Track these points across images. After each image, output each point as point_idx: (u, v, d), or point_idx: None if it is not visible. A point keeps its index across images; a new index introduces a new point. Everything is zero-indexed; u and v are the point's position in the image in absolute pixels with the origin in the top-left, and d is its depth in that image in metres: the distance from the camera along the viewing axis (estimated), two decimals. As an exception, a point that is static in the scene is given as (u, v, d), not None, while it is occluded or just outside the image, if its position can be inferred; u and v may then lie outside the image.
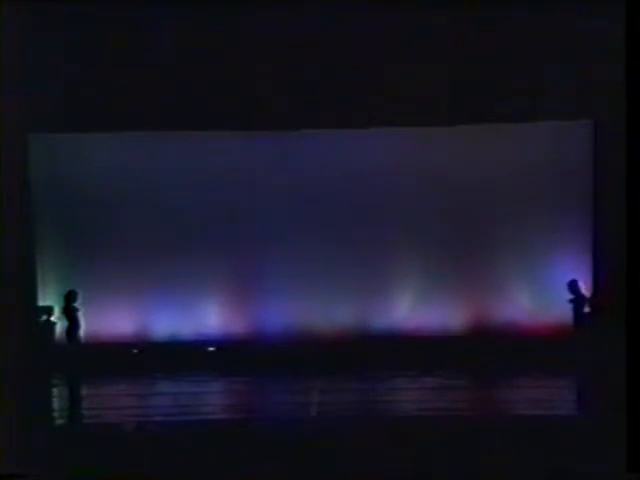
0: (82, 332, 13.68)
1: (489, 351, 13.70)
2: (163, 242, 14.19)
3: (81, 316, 13.66)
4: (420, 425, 10.33)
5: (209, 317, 14.39)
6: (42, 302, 14.04)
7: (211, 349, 14.35)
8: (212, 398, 12.82)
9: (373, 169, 14.05)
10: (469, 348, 13.87)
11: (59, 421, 11.98)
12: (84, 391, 13.09)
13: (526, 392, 12.38)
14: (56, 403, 12.83)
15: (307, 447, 9.52)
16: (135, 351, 14.30)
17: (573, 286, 13.64)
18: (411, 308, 14.35)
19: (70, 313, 13.59)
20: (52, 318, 13.81)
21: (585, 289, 13.78)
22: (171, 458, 9.32)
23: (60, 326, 13.75)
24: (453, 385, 12.90)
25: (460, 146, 13.99)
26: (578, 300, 13.62)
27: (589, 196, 14.06)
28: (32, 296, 14.04)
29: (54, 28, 13.28)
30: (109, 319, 14.17)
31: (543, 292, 14.13)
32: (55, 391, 13.24)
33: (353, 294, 14.22)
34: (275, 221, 14.20)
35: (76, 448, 9.84)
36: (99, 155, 14.12)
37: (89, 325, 13.77)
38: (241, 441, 9.81)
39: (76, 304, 13.64)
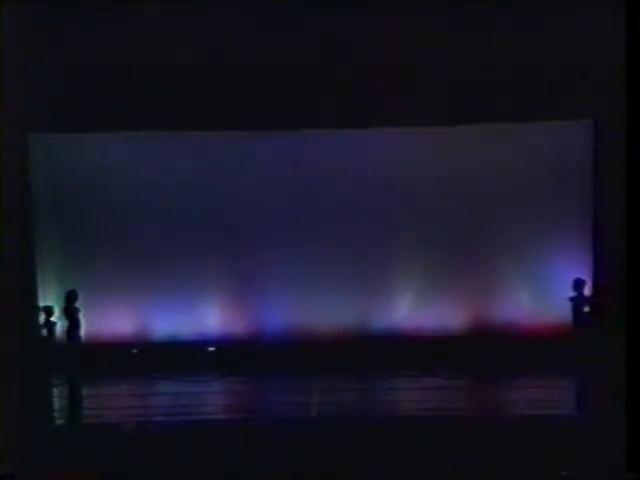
0: (82, 332, 13.65)
1: (489, 351, 13.70)
2: (163, 242, 14.18)
3: (81, 316, 13.64)
4: (420, 425, 10.34)
5: (209, 317, 14.38)
6: (42, 302, 14.03)
7: (211, 349, 14.35)
8: (212, 398, 12.83)
9: (373, 169, 14.05)
10: (469, 348, 13.87)
11: (59, 421, 11.98)
12: (84, 391, 13.08)
13: (526, 392, 12.39)
14: (56, 403, 12.84)
15: (307, 447, 9.52)
16: (135, 351, 14.30)
17: (578, 285, 13.59)
18: (411, 308, 14.35)
19: (70, 313, 13.57)
20: (52, 318, 13.80)
21: (586, 289, 13.77)
22: (171, 458, 9.33)
23: (60, 326, 13.74)
24: (453, 385, 12.91)
25: (460, 146, 13.99)
26: (579, 299, 13.60)
27: (589, 196, 14.06)
28: (32, 296, 14.04)
29: (54, 28, 13.27)
30: (109, 319, 14.17)
31: (543, 292, 14.13)
32: (55, 391, 13.24)
33: (353, 294, 14.21)
34: (275, 221, 14.20)
35: (76, 448, 9.85)
36: (99, 155, 14.11)
37: (89, 325, 13.74)
38: (241, 441, 9.81)
39: (76, 304, 13.62)
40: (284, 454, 9.28)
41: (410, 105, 13.41)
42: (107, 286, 14.14)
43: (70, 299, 13.59)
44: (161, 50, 13.42)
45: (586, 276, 13.84)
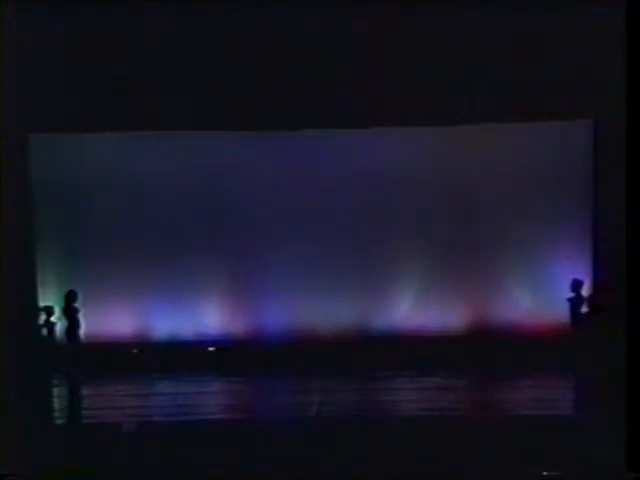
0: (82, 332, 13.65)
1: (489, 351, 13.70)
2: (163, 242, 14.18)
3: (81, 316, 13.63)
4: (420, 425, 10.34)
5: (209, 317, 14.39)
6: (42, 302, 14.03)
7: (211, 349, 14.35)
8: (212, 398, 12.82)
9: (373, 169, 14.04)
10: (469, 348, 13.87)
11: (59, 421, 11.98)
12: (84, 391, 13.08)
13: (526, 392, 12.39)
14: (56, 403, 12.83)
15: (307, 447, 9.52)
16: (135, 351, 14.30)
17: (576, 285, 13.59)
18: (411, 308, 14.35)
19: (70, 313, 13.57)
20: (52, 318, 13.80)
21: (585, 289, 13.76)
22: (171, 458, 9.33)
23: (60, 326, 13.73)
24: (453, 385, 12.91)
25: (460, 146, 13.98)
26: (577, 300, 13.59)
27: (589, 196, 14.06)
28: (32, 296, 14.04)
29: (54, 27, 13.27)
30: (109, 319, 14.16)
31: (543, 292, 14.13)
32: (55, 391, 13.24)
33: (353, 294, 14.22)
34: (275, 221, 14.19)
35: (76, 448, 9.85)
36: (99, 155, 14.10)
37: (89, 325, 13.74)
38: (241, 441, 9.81)
39: (76, 304, 13.62)
40: (284, 454, 9.28)
41: (410, 105, 13.41)
42: (107, 286, 14.14)
43: (70, 299, 13.59)
44: (161, 50, 13.43)
45: (586, 276, 13.85)
